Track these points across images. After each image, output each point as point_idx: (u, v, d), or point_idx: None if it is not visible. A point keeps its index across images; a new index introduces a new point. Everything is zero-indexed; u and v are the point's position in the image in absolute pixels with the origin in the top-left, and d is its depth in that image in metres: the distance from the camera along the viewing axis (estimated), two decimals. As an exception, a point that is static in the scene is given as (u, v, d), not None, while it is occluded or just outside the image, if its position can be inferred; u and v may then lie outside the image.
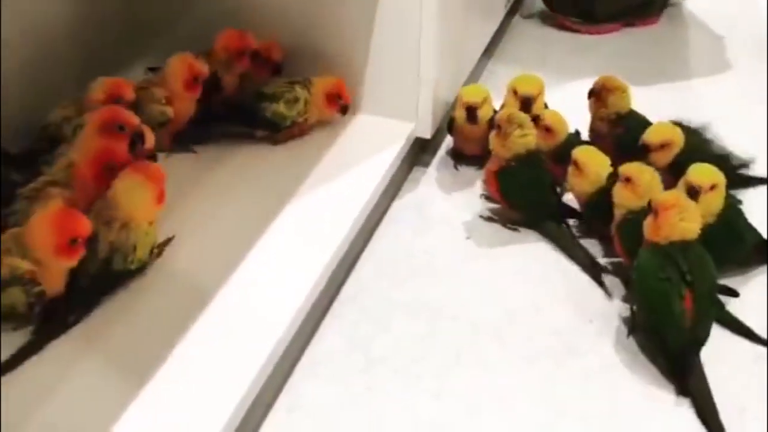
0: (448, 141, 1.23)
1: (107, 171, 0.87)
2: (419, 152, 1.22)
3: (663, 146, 1.04)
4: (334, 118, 1.12)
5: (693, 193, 0.93)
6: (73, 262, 0.82)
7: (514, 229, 1.07)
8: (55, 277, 0.81)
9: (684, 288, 0.86)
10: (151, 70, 1.16)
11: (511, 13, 1.64)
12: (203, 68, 1.04)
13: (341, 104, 1.10)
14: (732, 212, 0.98)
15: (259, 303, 0.86)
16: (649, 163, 1.01)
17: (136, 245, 0.86)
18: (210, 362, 0.79)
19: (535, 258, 1.05)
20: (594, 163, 1.01)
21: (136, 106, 0.97)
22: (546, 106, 1.16)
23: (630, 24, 1.66)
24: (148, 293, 0.86)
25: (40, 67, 1.05)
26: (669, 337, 0.87)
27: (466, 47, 1.31)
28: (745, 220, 1.01)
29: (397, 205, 1.14)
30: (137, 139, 0.90)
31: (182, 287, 0.88)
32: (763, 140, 1.23)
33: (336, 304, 0.97)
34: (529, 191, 1.05)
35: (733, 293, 0.94)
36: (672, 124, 1.08)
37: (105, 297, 0.85)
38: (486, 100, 1.12)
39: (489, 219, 1.09)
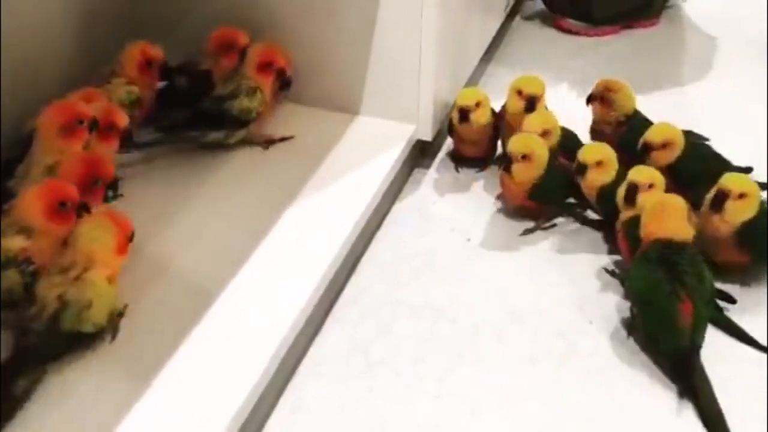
0: (449, 143, 1.23)
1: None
2: (420, 154, 1.22)
3: (664, 146, 1.04)
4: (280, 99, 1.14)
5: (721, 198, 0.93)
6: (64, 228, 0.81)
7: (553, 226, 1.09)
8: (49, 248, 0.81)
9: (682, 292, 0.86)
10: None
11: (510, 15, 1.65)
12: (157, 53, 1.07)
13: (276, 70, 1.09)
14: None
15: (262, 304, 0.86)
16: (650, 163, 1.02)
17: (90, 302, 0.78)
18: (214, 363, 0.79)
19: (536, 259, 1.05)
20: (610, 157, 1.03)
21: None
22: (546, 107, 1.15)
23: (628, 26, 1.66)
24: (153, 295, 0.87)
25: (38, 67, 1.05)
26: (664, 340, 0.88)
27: (466, 50, 1.32)
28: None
29: (398, 207, 1.15)
30: (112, 186, 0.88)
31: (186, 289, 0.88)
32: (761, 143, 1.23)
33: (338, 306, 0.98)
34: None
35: (731, 300, 0.94)
36: (673, 125, 1.08)
37: (54, 362, 0.77)
38: (480, 103, 1.12)
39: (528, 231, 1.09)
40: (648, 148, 1.04)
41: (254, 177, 1.05)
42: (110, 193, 0.92)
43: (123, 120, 0.93)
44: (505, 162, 1.04)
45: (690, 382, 0.85)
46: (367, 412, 0.85)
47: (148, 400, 0.75)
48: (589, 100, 1.14)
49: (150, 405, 0.75)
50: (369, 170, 1.06)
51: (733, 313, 0.95)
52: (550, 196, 1.07)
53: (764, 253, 0.97)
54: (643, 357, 0.90)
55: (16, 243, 0.79)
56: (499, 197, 1.14)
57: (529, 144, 1.03)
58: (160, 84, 1.13)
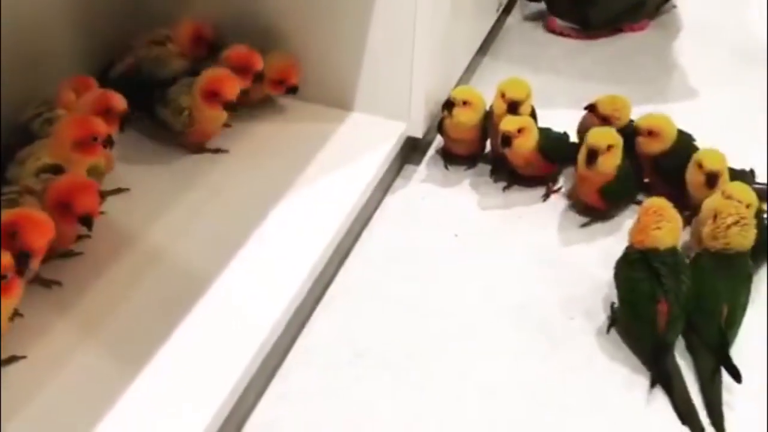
0: (439, 140, 1.24)
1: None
2: (410, 151, 1.23)
3: (650, 133, 1.09)
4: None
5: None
6: (93, 158, 0.89)
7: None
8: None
9: (660, 293, 0.89)
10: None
11: (502, 15, 1.66)
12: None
13: (287, 87, 1.11)
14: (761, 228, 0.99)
15: (253, 294, 0.87)
16: (639, 148, 1.08)
17: None
18: (205, 351, 0.80)
19: (521, 255, 1.06)
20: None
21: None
22: (533, 109, 1.17)
23: (618, 30, 1.66)
24: (146, 284, 0.88)
25: (38, 62, 1.05)
26: (641, 336, 0.91)
27: (458, 50, 1.33)
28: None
29: (388, 202, 1.16)
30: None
31: (179, 279, 0.89)
32: (750, 146, 1.24)
33: (327, 297, 0.99)
34: None
35: (737, 377, 0.88)
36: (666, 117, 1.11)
37: None
38: (468, 102, 1.14)
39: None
40: (636, 132, 1.09)
41: (248, 170, 1.06)
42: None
43: (121, 103, 0.94)
44: (589, 156, 1.05)
45: (664, 376, 0.87)
46: (354, 400, 0.86)
47: (139, 385, 0.76)
48: (590, 108, 1.15)
49: (141, 390, 0.76)
50: (360, 165, 1.08)
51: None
52: (622, 192, 1.11)
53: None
54: (622, 351, 0.92)
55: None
56: (570, 196, 1.16)
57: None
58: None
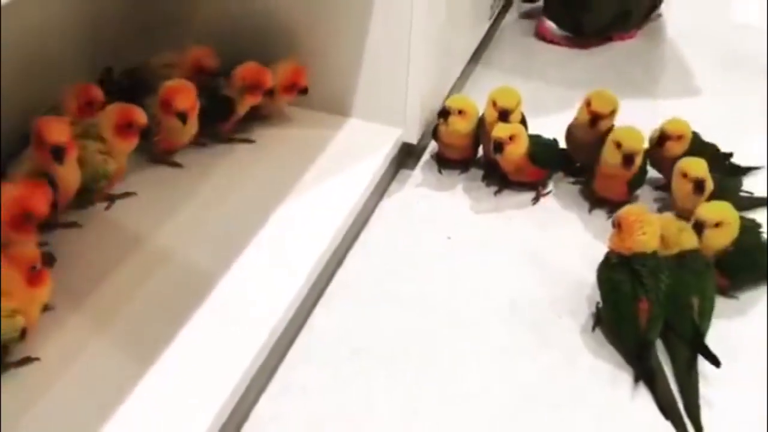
0: (434, 146, 1.26)
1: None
2: (406, 156, 1.25)
3: (679, 137, 1.13)
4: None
5: (698, 227, 0.99)
6: (131, 144, 0.96)
7: None
8: (119, 157, 0.96)
9: (641, 293, 0.92)
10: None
11: (494, 24, 1.68)
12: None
13: (299, 90, 1.13)
14: (747, 239, 1.02)
15: (255, 293, 0.89)
16: (665, 153, 1.12)
17: None
18: (210, 347, 0.83)
19: (512, 256, 1.09)
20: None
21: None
22: (523, 117, 1.19)
23: (608, 39, 1.68)
24: (153, 283, 0.90)
25: (45, 65, 1.07)
26: (624, 333, 0.94)
27: (451, 59, 1.35)
28: (760, 245, 1.04)
29: (384, 205, 1.17)
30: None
31: (184, 278, 0.91)
32: (740, 151, 1.26)
33: (326, 296, 1.01)
34: None
35: (715, 362, 0.91)
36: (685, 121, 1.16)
37: None
38: (463, 111, 1.16)
39: None
40: (665, 137, 1.13)
41: (249, 174, 1.08)
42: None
43: (142, 118, 0.97)
44: (627, 160, 1.10)
45: (647, 372, 0.91)
46: (352, 394, 0.88)
47: (147, 381, 0.78)
48: (593, 123, 1.16)
49: (148, 385, 0.78)
50: (358, 170, 1.10)
51: (733, 312, 0.99)
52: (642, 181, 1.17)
53: (744, 279, 1.03)
54: (607, 349, 0.95)
55: None
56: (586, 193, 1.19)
57: (641, 137, 1.11)
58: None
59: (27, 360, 0.79)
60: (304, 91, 1.14)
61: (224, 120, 1.12)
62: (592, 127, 1.16)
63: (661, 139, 1.15)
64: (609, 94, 1.17)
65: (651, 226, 0.96)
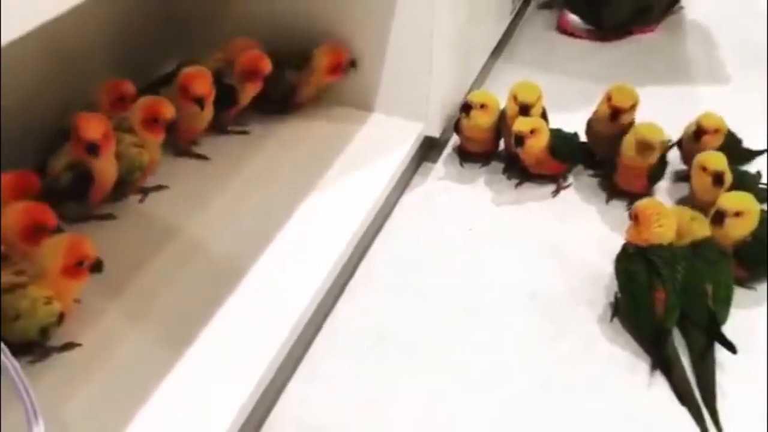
0: (455, 139, 1.28)
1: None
2: (428, 149, 1.27)
3: (715, 131, 1.15)
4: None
5: (719, 216, 1.00)
6: (159, 137, 0.98)
7: None
8: (152, 149, 0.98)
9: (657, 283, 0.94)
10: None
11: (515, 19, 1.69)
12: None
13: (344, 67, 1.15)
14: (765, 230, 1.02)
15: (283, 282, 0.91)
16: (702, 146, 1.14)
17: (19, 316, 0.77)
18: (240, 335, 0.84)
19: (531, 249, 1.10)
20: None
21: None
22: (544, 111, 1.20)
23: (628, 32, 1.68)
24: (186, 273, 0.92)
25: (70, 66, 1.10)
26: (641, 323, 0.96)
27: (473, 54, 1.36)
28: None
29: (406, 198, 1.19)
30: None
31: (216, 268, 0.93)
32: (763, 145, 1.27)
33: (350, 286, 1.03)
34: None
35: (732, 348, 0.92)
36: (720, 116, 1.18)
37: None
38: (484, 105, 1.18)
39: None
40: (702, 131, 1.15)
41: (276, 168, 1.10)
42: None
43: (169, 111, 0.99)
44: (641, 149, 1.12)
45: (664, 360, 0.92)
46: (375, 381, 0.91)
47: (181, 367, 0.80)
48: (614, 117, 1.17)
49: (182, 371, 0.80)
50: (381, 163, 1.11)
51: (751, 302, 1.00)
52: (662, 173, 1.18)
53: (762, 271, 1.04)
54: (624, 338, 0.96)
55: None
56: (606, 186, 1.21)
57: (660, 130, 1.12)
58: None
59: (69, 345, 0.83)
60: (352, 64, 1.16)
61: (227, 109, 1.13)
62: (613, 122, 1.17)
63: (697, 133, 1.16)
64: (629, 89, 1.18)
65: (667, 219, 0.98)
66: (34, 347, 0.80)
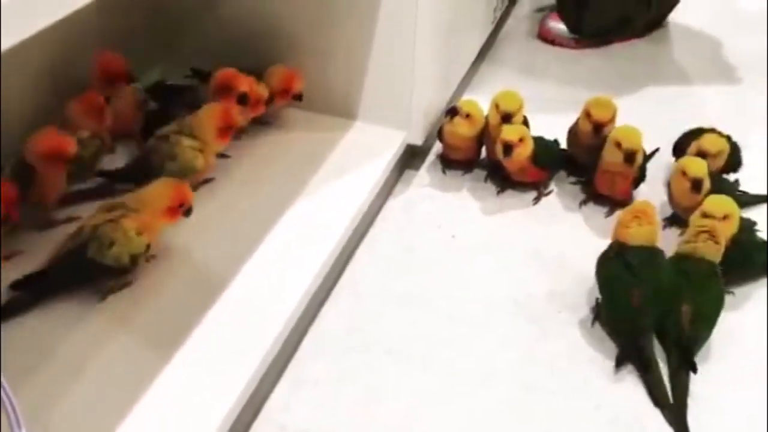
0: (438, 146, 1.29)
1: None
2: (411, 157, 1.28)
3: (717, 154, 1.16)
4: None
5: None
6: (226, 143, 1.05)
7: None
8: (209, 155, 1.04)
9: (634, 284, 0.95)
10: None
11: (498, 26, 1.71)
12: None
13: (293, 95, 1.15)
14: (745, 236, 1.05)
15: (268, 289, 0.92)
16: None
17: (113, 242, 0.87)
18: (225, 341, 0.85)
19: (514, 255, 1.11)
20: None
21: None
22: (525, 119, 1.22)
23: (609, 42, 1.70)
24: (173, 279, 0.93)
25: (61, 71, 1.10)
26: (618, 323, 0.97)
27: (455, 62, 1.37)
28: (756, 243, 1.08)
29: (389, 205, 1.20)
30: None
31: (201, 276, 0.93)
32: (744, 152, 1.28)
33: (335, 292, 1.03)
34: None
35: (693, 368, 0.93)
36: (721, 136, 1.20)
37: (76, 284, 0.89)
38: (470, 115, 1.19)
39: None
40: (704, 155, 1.15)
41: (260, 176, 1.10)
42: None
43: (238, 119, 1.07)
44: (628, 157, 1.12)
45: (639, 359, 0.94)
46: (360, 386, 0.91)
47: (167, 373, 0.80)
48: (596, 131, 1.17)
49: (167, 377, 0.80)
50: (364, 171, 1.12)
51: (732, 314, 1.01)
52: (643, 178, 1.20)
53: (739, 275, 1.05)
54: (605, 343, 0.97)
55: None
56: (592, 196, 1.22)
57: (639, 135, 1.13)
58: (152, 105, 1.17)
59: (126, 284, 0.91)
60: (298, 97, 1.16)
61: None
62: (596, 135, 1.18)
63: (698, 156, 1.16)
64: (607, 101, 1.19)
65: (649, 224, 0.99)
66: (119, 273, 0.90)
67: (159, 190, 0.91)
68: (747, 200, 1.19)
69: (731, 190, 1.19)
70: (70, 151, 0.93)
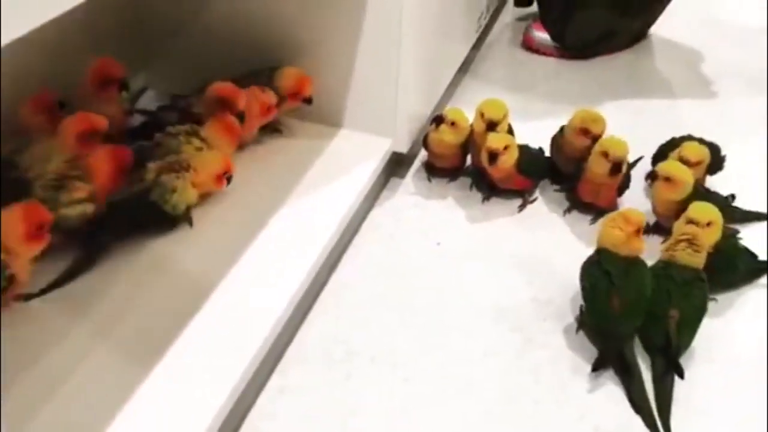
0: (423, 154, 1.29)
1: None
2: (396, 164, 1.28)
3: (698, 163, 1.17)
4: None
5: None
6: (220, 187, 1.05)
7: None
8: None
9: (614, 289, 0.96)
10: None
11: (482, 35, 1.72)
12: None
13: (303, 98, 1.15)
14: (728, 244, 1.06)
15: (253, 297, 0.92)
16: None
17: (176, 189, 0.97)
18: (210, 348, 0.84)
19: (498, 262, 1.12)
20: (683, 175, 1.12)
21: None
22: (510, 128, 1.22)
23: (593, 54, 1.70)
24: (155, 287, 0.92)
25: (40, 75, 1.09)
26: (601, 327, 0.98)
27: (440, 70, 1.38)
28: (739, 250, 1.09)
29: (375, 213, 1.20)
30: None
31: (186, 283, 0.93)
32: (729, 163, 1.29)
33: (320, 300, 1.03)
34: None
35: (680, 373, 0.94)
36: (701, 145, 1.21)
37: (137, 232, 0.97)
38: (455, 123, 1.20)
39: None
40: (687, 164, 1.16)
41: (244, 184, 1.09)
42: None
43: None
44: (615, 168, 1.14)
45: (622, 367, 0.94)
46: (346, 394, 0.91)
47: (151, 381, 0.80)
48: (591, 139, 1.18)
49: (152, 385, 0.80)
50: (350, 179, 1.12)
51: (715, 320, 1.02)
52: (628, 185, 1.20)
53: (721, 282, 1.06)
54: (588, 350, 0.98)
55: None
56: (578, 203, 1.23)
57: (626, 145, 1.14)
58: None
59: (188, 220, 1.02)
60: (308, 100, 1.17)
61: None
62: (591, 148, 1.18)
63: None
64: (597, 115, 1.21)
65: (633, 229, 0.99)
66: (172, 223, 1.00)
67: (212, 159, 1.03)
68: (740, 216, 1.20)
69: (723, 205, 1.19)
70: None
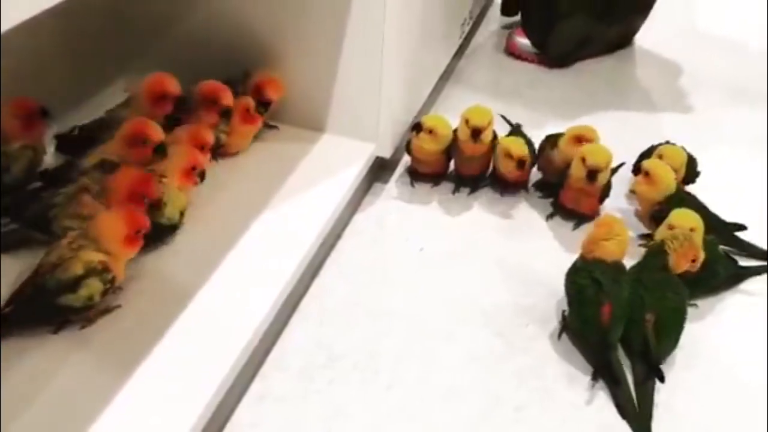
0: (406, 159, 1.29)
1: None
2: (379, 170, 1.28)
3: (678, 168, 1.18)
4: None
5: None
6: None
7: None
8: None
9: (603, 298, 0.95)
10: None
11: (467, 40, 1.73)
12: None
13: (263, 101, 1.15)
14: (708, 250, 1.04)
15: (234, 303, 0.91)
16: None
17: (165, 203, 0.96)
18: (190, 356, 0.84)
19: (481, 268, 1.12)
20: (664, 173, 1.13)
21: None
22: (495, 135, 1.22)
23: (573, 62, 1.71)
24: (134, 294, 0.91)
25: (24, 80, 1.08)
26: (587, 336, 0.98)
27: (423, 75, 1.38)
28: (719, 255, 1.09)
29: (358, 218, 1.20)
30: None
31: (165, 290, 0.92)
32: (706, 169, 1.29)
33: (302, 306, 1.03)
34: None
35: (660, 377, 0.95)
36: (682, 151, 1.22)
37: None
38: (432, 131, 1.19)
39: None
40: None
41: (225, 188, 1.09)
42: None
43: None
44: (590, 174, 1.14)
45: (608, 373, 0.94)
46: (327, 401, 0.91)
47: (130, 389, 0.79)
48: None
49: (131, 393, 0.79)
50: (332, 184, 1.11)
51: (695, 325, 1.02)
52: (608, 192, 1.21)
53: (702, 288, 1.07)
54: (572, 355, 0.98)
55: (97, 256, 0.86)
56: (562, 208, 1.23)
57: (607, 154, 1.15)
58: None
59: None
60: (266, 104, 1.16)
61: None
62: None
63: None
64: (590, 128, 1.22)
65: (618, 236, 1.00)
66: (170, 233, 0.99)
67: (180, 152, 1.01)
68: (718, 225, 1.19)
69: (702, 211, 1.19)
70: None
